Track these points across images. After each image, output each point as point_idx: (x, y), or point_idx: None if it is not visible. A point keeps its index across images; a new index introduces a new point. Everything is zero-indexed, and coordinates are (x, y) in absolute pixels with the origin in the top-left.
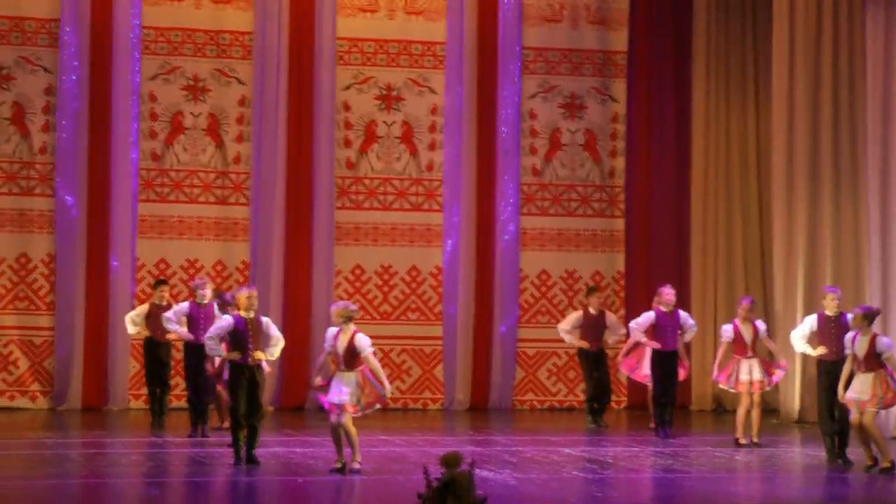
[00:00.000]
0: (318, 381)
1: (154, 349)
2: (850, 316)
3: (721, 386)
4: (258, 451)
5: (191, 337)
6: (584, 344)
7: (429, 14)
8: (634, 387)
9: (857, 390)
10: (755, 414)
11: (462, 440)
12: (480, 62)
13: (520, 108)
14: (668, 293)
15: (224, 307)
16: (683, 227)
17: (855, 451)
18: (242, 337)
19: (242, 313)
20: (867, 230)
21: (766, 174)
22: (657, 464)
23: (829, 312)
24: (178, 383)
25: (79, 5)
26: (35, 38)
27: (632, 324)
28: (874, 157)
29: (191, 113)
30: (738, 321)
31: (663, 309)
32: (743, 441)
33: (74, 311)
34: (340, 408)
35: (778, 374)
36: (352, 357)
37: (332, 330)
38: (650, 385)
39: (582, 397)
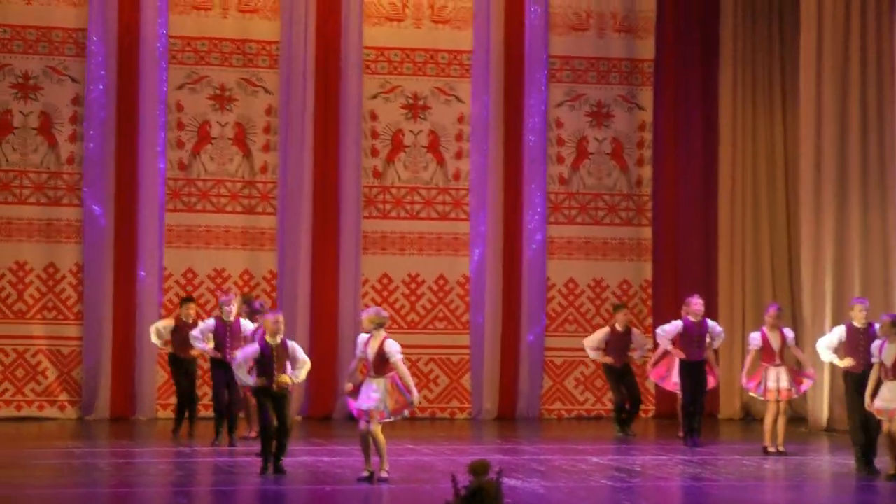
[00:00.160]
0: (348, 387)
1: (179, 364)
2: (878, 326)
3: (751, 394)
4: (286, 461)
5: (217, 354)
6: (610, 360)
7: (455, 23)
8: (662, 396)
9: (886, 399)
10: (781, 422)
11: (490, 449)
12: (507, 71)
13: (546, 117)
14: (696, 303)
15: (252, 315)
16: (711, 234)
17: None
18: (268, 363)
19: (268, 339)
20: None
21: (793, 181)
22: (685, 472)
23: (857, 324)
24: (206, 392)
25: (106, 15)
26: (62, 47)
27: (658, 330)
28: None
29: (218, 122)
30: (765, 329)
31: (692, 319)
32: (771, 449)
33: (102, 320)
34: (369, 414)
35: (806, 383)
36: (381, 363)
37: (363, 336)
38: (679, 394)
39: (610, 406)
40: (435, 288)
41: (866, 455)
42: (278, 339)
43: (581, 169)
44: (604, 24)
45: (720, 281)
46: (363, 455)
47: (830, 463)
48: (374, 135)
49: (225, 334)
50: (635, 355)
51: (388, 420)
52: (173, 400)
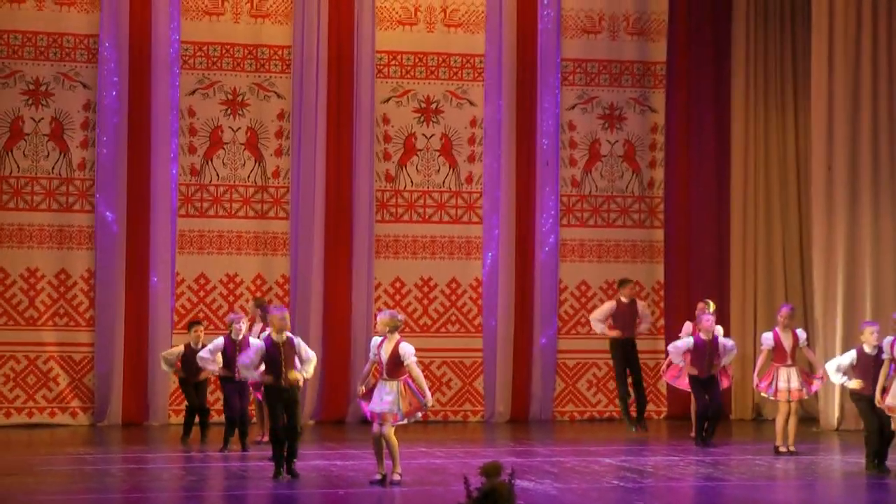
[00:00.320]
0: (361, 389)
1: (190, 389)
2: (886, 342)
3: (762, 394)
4: (298, 465)
5: (227, 373)
6: (616, 333)
7: (468, 26)
8: (675, 397)
9: None
10: (792, 422)
11: (502, 451)
12: (520, 74)
13: (559, 120)
14: (707, 319)
15: (265, 318)
16: (723, 236)
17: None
18: (275, 360)
19: (274, 336)
20: None
21: (805, 183)
22: (697, 472)
23: (867, 348)
24: (218, 397)
25: (118, 21)
26: (74, 53)
27: (670, 347)
28: None
29: (230, 127)
30: (778, 329)
31: (703, 336)
32: (782, 449)
33: (114, 326)
34: (382, 417)
35: (816, 385)
36: (395, 366)
37: (377, 339)
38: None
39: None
40: (447, 291)
41: (879, 456)
42: (284, 336)
43: (593, 171)
44: (616, 27)
45: (732, 282)
46: (376, 458)
47: (841, 462)
48: (387, 139)
49: (234, 353)
50: (641, 327)
51: (401, 422)
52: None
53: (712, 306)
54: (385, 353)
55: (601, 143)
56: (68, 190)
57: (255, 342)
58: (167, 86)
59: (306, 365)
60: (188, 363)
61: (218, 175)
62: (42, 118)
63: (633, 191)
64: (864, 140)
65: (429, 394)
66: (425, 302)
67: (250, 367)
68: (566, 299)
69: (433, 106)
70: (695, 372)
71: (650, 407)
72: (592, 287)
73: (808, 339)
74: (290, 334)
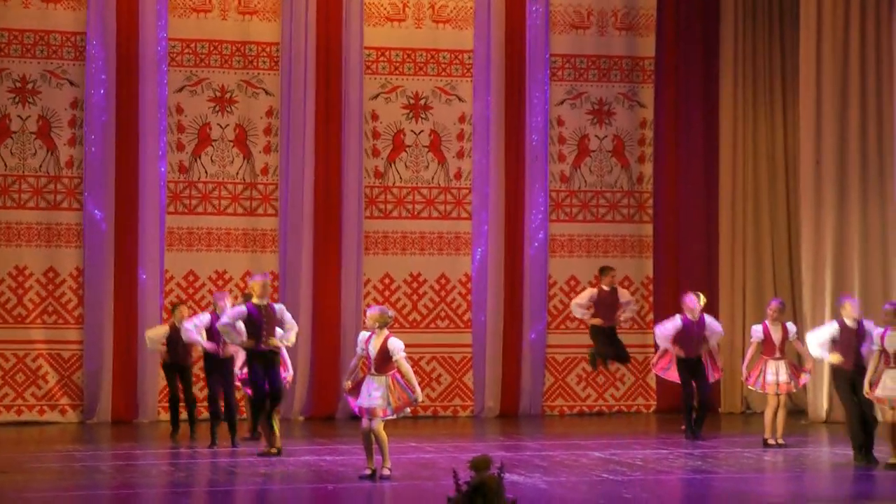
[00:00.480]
0: (348, 384)
1: (175, 372)
2: (867, 323)
3: (750, 387)
4: (288, 461)
5: (212, 346)
6: (598, 321)
7: (456, 22)
8: (664, 391)
9: (889, 387)
10: (781, 415)
11: (492, 446)
12: (508, 70)
13: (548, 115)
14: (691, 300)
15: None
16: (712, 231)
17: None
18: (257, 324)
19: (256, 301)
20: (895, 232)
21: (793, 178)
22: (686, 465)
23: (848, 321)
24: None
25: (105, 18)
26: (61, 51)
27: (657, 329)
28: None
29: (218, 124)
30: (768, 322)
31: (689, 316)
32: (771, 441)
33: (103, 324)
34: (371, 412)
35: (804, 378)
36: (384, 361)
37: (364, 334)
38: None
39: (612, 402)
40: (437, 287)
41: (865, 447)
42: (265, 302)
43: (582, 167)
44: (604, 22)
45: (721, 277)
46: (365, 453)
47: (830, 454)
48: (376, 135)
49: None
50: (624, 315)
51: (390, 417)
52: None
53: (702, 300)
54: (374, 349)
55: (590, 138)
56: (56, 188)
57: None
58: (155, 83)
59: (288, 333)
60: (173, 344)
61: (206, 172)
62: (29, 116)
63: (621, 186)
64: (852, 135)
65: (418, 389)
66: (414, 298)
67: (230, 325)
68: (555, 294)
69: (422, 102)
70: (682, 354)
71: (640, 401)
72: (582, 282)
73: (798, 332)
74: (271, 301)
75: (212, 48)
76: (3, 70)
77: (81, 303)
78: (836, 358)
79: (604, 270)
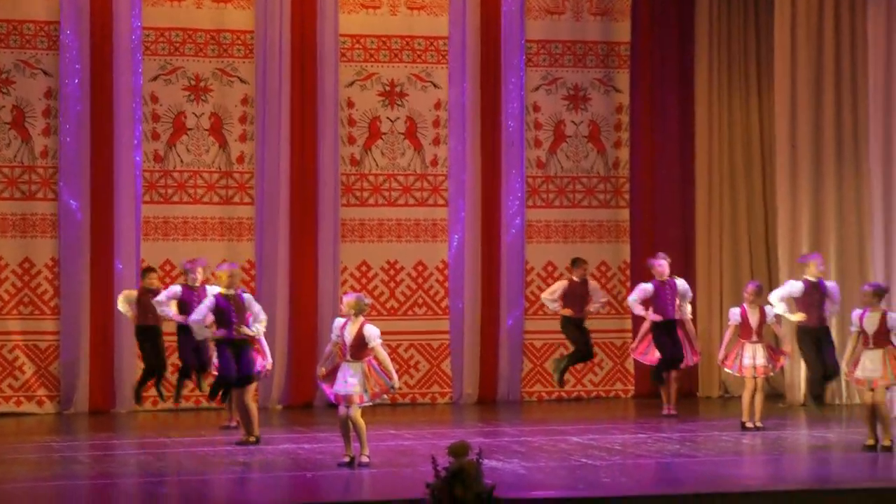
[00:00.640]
0: (322, 371)
1: (145, 334)
2: (829, 283)
3: (727, 370)
4: (266, 449)
5: (183, 319)
6: (569, 312)
7: (431, 9)
8: (643, 376)
9: (869, 368)
10: (759, 398)
11: (471, 432)
12: (484, 56)
13: (524, 101)
14: (659, 264)
15: None
16: (688, 216)
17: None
18: (226, 314)
19: (223, 291)
20: (870, 216)
21: (769, 162)
22: (664, 449)
23: (811, 278)
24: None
25: (79, 7)
26: (34, 40)
27: (630, 297)
28: (877, 144)
29: (193, 113)
30: (745, 305)
31: (658, 279)
32: (749, 425)
33: (80, 314)
34: (347, 399)
35: (782, 361)
36: (359, 348)
37: (339, 320)
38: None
39: (591, 387)
40: (414, 274)
41: (821, 397)
42: (233, 291)
43: (558, 152)
44: (580, 8)
45: (698, 261)
46: (343, 440)
47: (808, 437)
48: (351, 122)
49: (192, 300)
50: (591, 307)
51: (367, 404)
52: (153, 391)
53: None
54: (349, 335)
55: (566, 123)
56: (31, 178)
57: (213, 289)
58: (129, 72)
59: (257, 324)
60: (142, 306)
61: (182, 161)
62: (3, 106)
63: (598, 171)
64: (828, 119)
65: (395, 376)
66: (392, 285)
67: (202, 322)
68: (532, 280)
69: (397, 89)
70: (659, 318)
71: (618, 386)
72: (559, 268)
73: (776, 315)
74: (240, 291)
75: (186, 37)
76: None
77: (57, 293)
78: (799, 316)
79: (575, 262)
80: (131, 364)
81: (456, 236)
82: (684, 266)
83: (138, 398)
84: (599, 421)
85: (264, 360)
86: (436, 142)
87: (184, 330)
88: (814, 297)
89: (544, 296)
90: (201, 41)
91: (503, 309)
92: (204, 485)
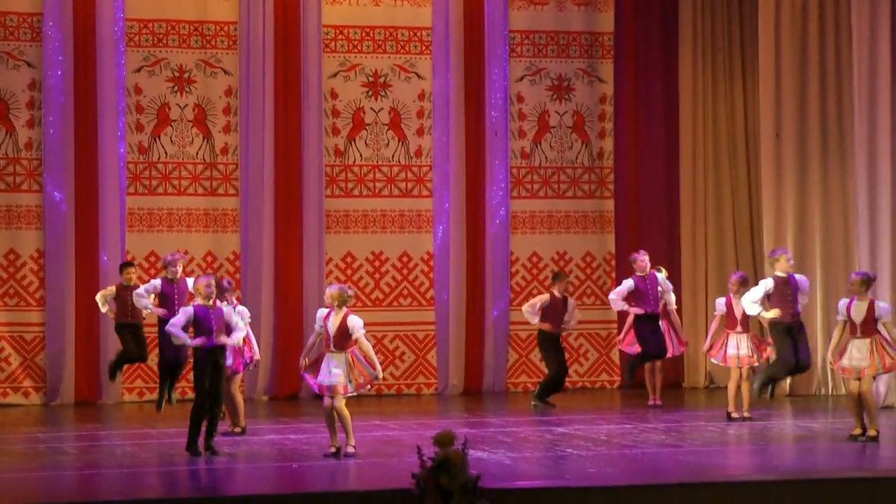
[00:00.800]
0: (304, 362)
1: (125, 330)
2: (798, 277)
3: (712, 360)
4: (252, 440)
5: (163, 312)
6: (547, 326)
7: (414, 0)
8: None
9: (856, 358)
10: (744, 388)
11: (456, 422)
12: (467, 47)
13: (507, 92)
14: (640, 259)
15: (221, 294)
16: (673, 206)
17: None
18: (205, 323)
19: (201, 301)
20: (855, 205)
21: (754, 152)
22: (650, 439)
23: (781, 273)
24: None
25: None
26: (18, 32)
27: (611, 295)
28: (861, 132)
29: (177, 105)
30: (731, 295)
31: (639, 274)
32: (735, 415)
33: (65, 306)
34: (332, 390)
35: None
36: (343, 338)
37: (323, 311)
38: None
39: (575, 377)
40: (399, 265)
41: (773, 387)
42: (211, 303)
43: (543, 143)
44: None
45: (683, 251)
46: (329, 431)
47: (793, 427)
48: (335, 113)
49: (172, 293)
50: (569, 325)
51: (351, 394)
52: (139, 383)
53: (664, 273)
54: (332, 326)
55: (550, 114)
56: (15, 170)
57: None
58: (113, 64)
59: (234, 334)
60: (121, 302)
61: (166, 152)
62: None
63: (582, 162)
64: (812, 109)
65: (379, 366)
66: (377, 276)
67: (179, 328)
68: (517, 271)
69: (381, 80)
70: (641, 311)
71: (604, 376)
72: (544, 258)
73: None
74: (218, 304)
75: (169, 28)
76: None
77: (43, 285)
78: (773, 312)
79: (557, 276)
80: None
81: (441, 227)
82: (669, 256)
83: (113, 375)
84: (585, 411)
85: (250, 352)
86: (420, 132)
87: (164, 323)
88: (785, 292)
89: (525, 308)
90: (185, 32)
91: (488, 300)
92: (190, 476)
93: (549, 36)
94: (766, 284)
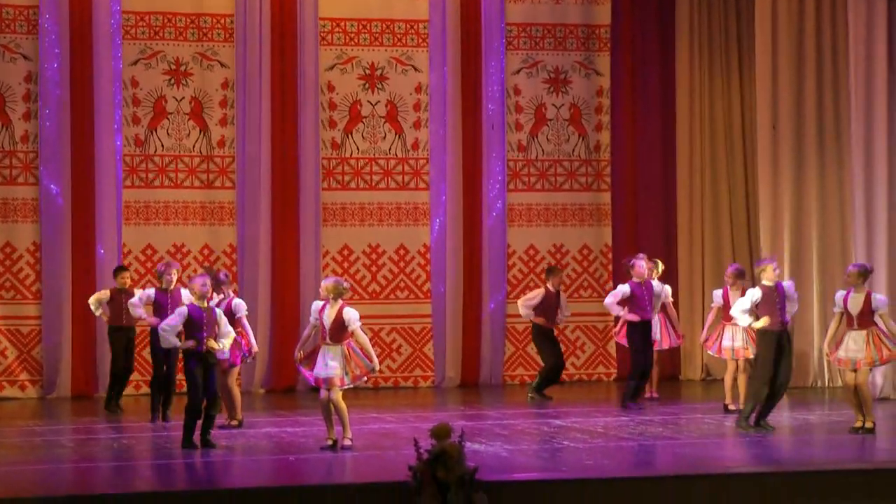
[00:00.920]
0: (299, 354)
1: (118, 334)
2: (785, 284)
3: (708, 351)
4: (250, 433)
5: (156, 321)
6: (542, 321)
7: None
8: (624, 359)
9: (852, 349)
10: (741, 380)
11: (453, 415)
12: (464, 39)
13: (504, 85)
14: (639, 265)
15: (218, 287)
16: (670, 199)
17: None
18: (197, 325)
19: (196, 302)
20: (852, 200)
21: (750, 143)
22: (647, 432)
23: (768, 283)
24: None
25: None
26: (14, 25)
27: (606, 300)
28: (858, 128)
29: (174, 97)
30: (727, 288)
31: (636, 280)
32: (732, 407)
33: (61, 299)
34: (328, 382)
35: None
36: (339, 331)
37: (318, 304)
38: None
39: (571, 370)
40: (396, 258)
41: (762, 411)
42: (206, 304)
43: (539, 136)
44: None
45: (679, 244)
46: (325, 424)
47: (790, 419)
48: (332, 106)
49: (165, 303)
50: (559, 320)
51: (347, 387)
52: (135, 376)
53: (661, 266)
54: (328, 319)
55: (547, 107)
56: (12, 163)
57: (187, 293)
58: (109, 56)
59: (223, 338)
60: (115, 306)
61: (163, 145)
62: None
63: (579, 154)
64: (809, 102)
65: (375, 358)
66: (374, 269)
67: (171, 332)
68: (514, 264)
69: (378, 73)
70: (636, 318)
71: (600, 369)
72: (541, 251)
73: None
74: (213, 305)
75: (166, 20)
76: None
77: (39, 278)
78: (763, 321)
79: (551, 271)
80: None
81: (437, 220)
82: (666, 249)
83: (109, 407)
84: (582, 404)
85: (249, 345)
86: (417, 125)
87: (157, 338)
88: (773, 300)
89: (520, 302)
90: (181, 25)
91: (485, 292)
92: (187, 469)
93: (545, 28)
94: (754, 294)
